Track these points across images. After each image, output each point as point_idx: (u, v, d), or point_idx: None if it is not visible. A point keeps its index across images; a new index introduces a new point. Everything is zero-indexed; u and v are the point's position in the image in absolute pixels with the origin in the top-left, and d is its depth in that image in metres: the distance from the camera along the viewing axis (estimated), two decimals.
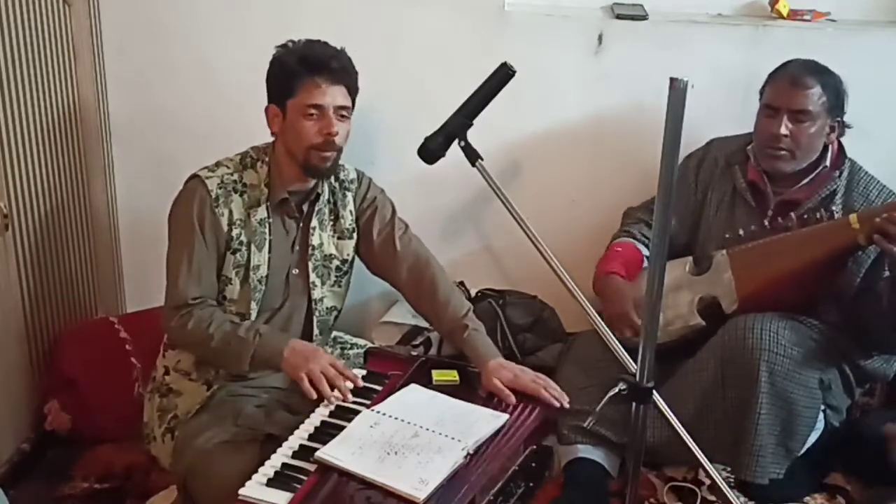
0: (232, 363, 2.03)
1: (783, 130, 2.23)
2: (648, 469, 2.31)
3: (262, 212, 2.08)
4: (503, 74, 2.08)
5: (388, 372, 2.05)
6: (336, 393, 1.92)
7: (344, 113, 2.06)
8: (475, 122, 2.10)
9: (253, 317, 2.10)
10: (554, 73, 2.65)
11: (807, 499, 2.26)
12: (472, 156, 2.06)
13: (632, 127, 2.65)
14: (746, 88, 2.37)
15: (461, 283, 2.79)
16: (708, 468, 1.78)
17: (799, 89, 2.22)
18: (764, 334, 2.10)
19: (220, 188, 2.05)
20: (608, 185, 2.73)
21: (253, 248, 2.08)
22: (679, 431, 1.75)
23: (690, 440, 1.74)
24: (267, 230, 2.09)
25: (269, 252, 2.10)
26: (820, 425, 2.22)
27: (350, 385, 1.95)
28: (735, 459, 2.15)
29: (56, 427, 2.44)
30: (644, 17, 2.63)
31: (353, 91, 2.09)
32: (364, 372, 2.07)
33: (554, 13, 2.64)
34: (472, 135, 2.09)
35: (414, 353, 2.48)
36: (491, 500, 1.70)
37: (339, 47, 2.08)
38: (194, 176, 2.08)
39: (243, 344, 2.00)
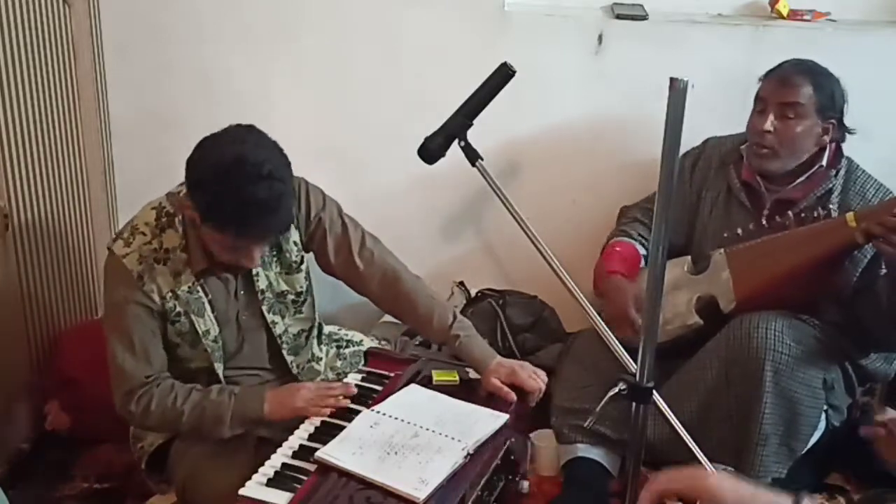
0: (210, 429, 1.90)
1: (768, 126, 2.23)
2: (648, 469, 2.31)
3: (186, 279, 1.91)
4: (503, 74, 2.08)
5: (388, 372, 2.05)
6: (339, 397, 1.90)
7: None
8: (475, 122, 2.10)
9: (218, 367, 2.00)
10: (554, 73, 2.65)
11: (806, 501, 2.25)
12: (472, 156, 2.06)
13: (632, 127, 2.65)
14: (746, 88, 2.37)
15: (461, 283, 2.79)
16: (708, 468, 1.78)
17: (788, 86, 2.22)
18: (769, 333, 2.10)
19: (140, 263, 1.88)
20: (608, 185, 2.73)
21: (193, 316, 1.93)
22: (679, 431, 1.75)
23: (690, 439, 1.74)
24: (201, 294, 1.93)
25: (213, 311, 1.96)
26: (821, 425, 2.22)
27: (353, 391, 1.93)
28: (738, 458, 2.15)
29: (56, 427, 2.44)
30: (644, 17, 2.63)
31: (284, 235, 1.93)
32: (364, 373, 2.07)
33: (554, 13, 2.64)
34: (472, 135, 2.09)
35: (414, 353, 2.48)
36: (479, 495, 1.70)
37: (281, 188, 1.75)
38: (110, 251, 1.92)
39: (219, 406, 1.89)
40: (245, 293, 2.01)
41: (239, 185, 1.72)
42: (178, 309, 1.92)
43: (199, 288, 1.93)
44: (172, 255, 1.90)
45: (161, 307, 1.91)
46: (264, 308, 2.03)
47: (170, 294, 1.91)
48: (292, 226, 2.01)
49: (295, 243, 2.04)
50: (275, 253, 2.03)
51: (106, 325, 1.95)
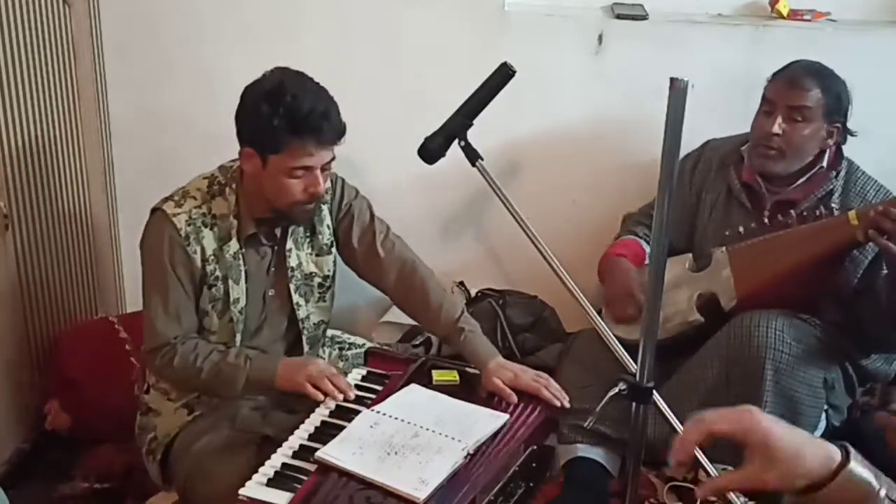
0: (224, 390, 2.00)
1: (776, 129, 2.22)
2: (648, 469, 2.31)
3: (234, 245, 2.00)
4: (503, 74, 2.08)
5: (388, 372, 2.05)
6: (340, 387, 1.92)
7: (329, 166, 1.97)
8: (475, 122, 2.10)
9: (237, 344, 2.06)
10: (554, 73, 2.65)
11: None
12: (472, 156, 2.06)
13: (632, 127, 2.65)
14: (746, 88, 2.37)
15: (461, 283, 2.79)
16: (708, 468, 1.77)
17: (797, 88, 2.22)
18: (770, 332, 2.10)
19: (189, 224, 1.96)
20: (608, 185, 2.73)
21: (230, 282, 2.01)
22: (679, 431, 1.75)
23: None
24: (241, 261, 2.02)
25: (247, 283, 2.04)
26: (822, 424, 2.22)
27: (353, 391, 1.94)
28: (738, 458, 2.15)
29: (56, 427, 2.44)
30: (644, 17, 2.63)
31: (340, 142, 1.97)
32: (364, 372, 2.07)
33: (554, 13, 2.64)
34: (472, 135, 2.09)
35: (414, 353, 2.48)
36: (491, 500, 1.70)
37: (327, 99, 1.91)
38: (159, 210, 1.97)
39: (235, 369, 1.97)
40: (276, 270, 2.08)
41: (287, 102, 1.84)
42: (218, 273, 2.00)
43: (241, 255, 2.01)
44: (221, 222, 1.99)
45: (202, 270, 1.98)
46: (292, 287, 2.10)
47: (212, 257, 1.98)
48: (326, 209, 2.11)
49: (328, 226, 2.14)
50: (308, 235, 2.11)
51: (145, 280, 2.03)
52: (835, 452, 0.99)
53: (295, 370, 1.95)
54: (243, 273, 2.03)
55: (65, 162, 2.57)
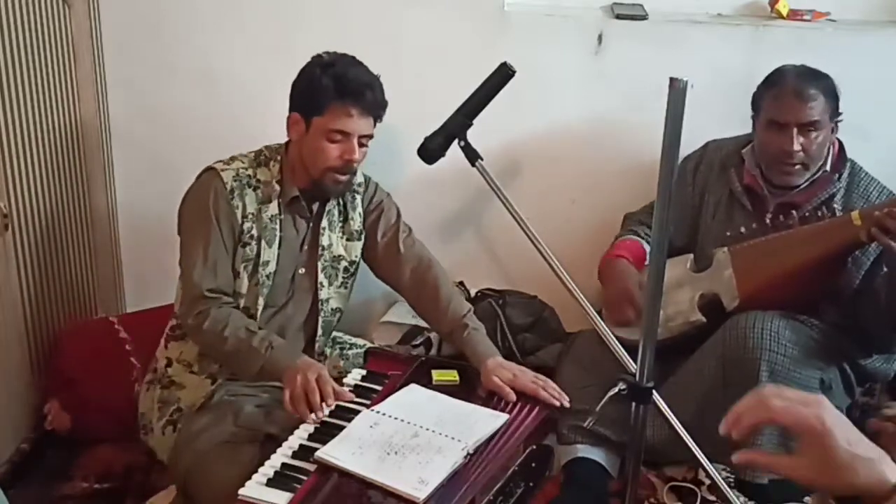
0: (241, 369, 2.06)
1: (796, 146, 2.21)
2: (648, 469, 2.31)
3: (273, 208, 2.10)
4: (503, 74, 2.08)
5: (388, 372, 2.05)
6: (312, 413, 1.84)
7: (366, 141, 2.09)
8: (475, 122, 2.10)
9: (259, 312, 2.11)
10: (554, 73, 2.65)
11: (807, 499, 2.26)
12: (472, 156, 2.06)
13: (632, 127, 2.65)
14: (746, 89, 2.37)
15: (461, 283, 2.79)
16: (708, 468, 1.78)
17: (805, 102, 2.20)
18: (765, 333, 2.10)
19: (235, 181, 2.07)
20: (608, 185, 2.73)
21: (263, 243, 2.08)
22: (679, 431, 1.75)
23: (690, 440, 1.74)
24: (278, 226, 2.10)
25: (279, 249, 2.11)
26: None
27: (332, 402, 1.88)
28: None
29: (56, 427, 2.44)
30: (644, 17, 2.63)
31: (379, 121, 2.12)
32: (364, 372, 2.07)
33: (554, 13, 2.64)
34: (472, 135, 2.09)
35: (414, 353, 2.48)
36: (491, 500, 1.70)
37: (375, 74, 2.10)
38: (209, 168, 2.09)
39: (255, 354, 1.99)
40: (309, 249, 2.17)
41: (336, 68, 2.05)
42: (254, 232, 2.08)
43: (278, 220, 2.10)
44: (264, 187, 2.10)
45: (240, 226, 2.07)
46: (319, 265, 2.17)
47: (251, 215, 2.07)
48: (359, 198, 2.24)
49: (359, 214, 2.25)
50: (342, 220, 2.21)
51: (186, 235, 2.10)
52: (891, 474, 0.97)
53: (297, 373, 1.92)
54: (278, 237, 2.10)
55: (65, 162, 2.57)
